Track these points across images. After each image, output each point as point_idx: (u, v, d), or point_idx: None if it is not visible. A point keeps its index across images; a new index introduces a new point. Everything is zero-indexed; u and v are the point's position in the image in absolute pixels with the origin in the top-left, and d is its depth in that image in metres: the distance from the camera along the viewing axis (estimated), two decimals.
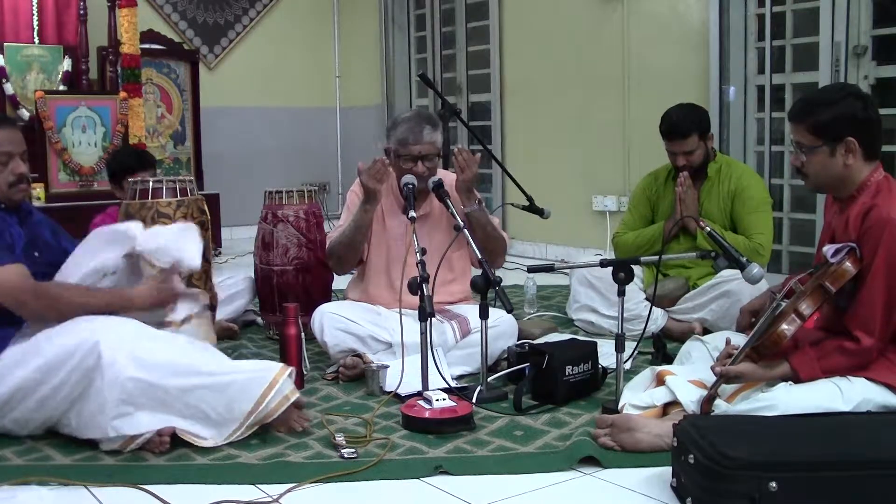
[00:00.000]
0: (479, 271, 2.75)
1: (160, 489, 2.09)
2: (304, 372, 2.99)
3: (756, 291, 2.82)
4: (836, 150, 2.27)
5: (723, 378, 2.25)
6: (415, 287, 2.63)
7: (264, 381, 2.35)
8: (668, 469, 2.09)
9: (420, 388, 2.67)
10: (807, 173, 2.34)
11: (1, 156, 2.49)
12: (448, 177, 3.19)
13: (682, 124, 3.50)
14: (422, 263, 2.68)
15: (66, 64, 5.99)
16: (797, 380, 2.22)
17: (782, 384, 2.22)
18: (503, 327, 3.01)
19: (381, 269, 3.19)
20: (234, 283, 3.79)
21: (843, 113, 2.25)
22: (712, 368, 2.29)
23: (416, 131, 3.08)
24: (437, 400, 2.50)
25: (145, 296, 2.50)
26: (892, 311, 2.19)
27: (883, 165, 2.33)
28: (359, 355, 2.99)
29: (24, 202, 2.63)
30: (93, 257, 2.52)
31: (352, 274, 3.44)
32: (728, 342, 2.40)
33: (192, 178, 3.07)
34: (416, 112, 3.22)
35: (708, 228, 2.62)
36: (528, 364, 2.80)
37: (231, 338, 3.62)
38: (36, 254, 2.56)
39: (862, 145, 2.26)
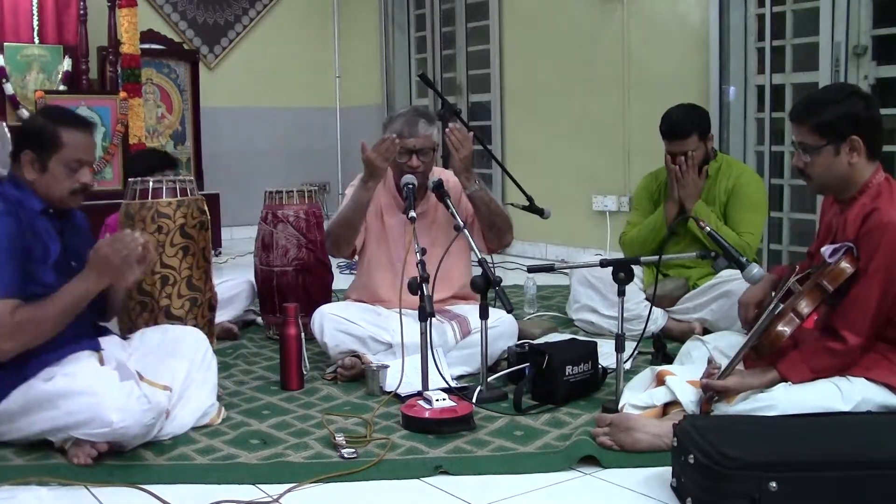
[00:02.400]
0: (478, 270, 2.75)
1: (160, 489, 2.09)
2: (304, 372, 2.99)
3: None
4: (840, 149, 2.26)
5: (708, 391, 2.24)
6: (415, 287, 2.63)
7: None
8: (668, 469, 2.09)
9: (420, 388, 2.67)
10: (810, 175, 2.33)
11: (73, 162, 2.39)
12: (449, 176, 3.20)
13: (683, 124, 3.49)
14: (422, 263, 2.68)
15: (66, 64, 5.99)
16: None
17: (782, 384, 2.22)
18: (503, 327, 3.01)
19: (384, 266, 3.19)
20: (234, 285, 3.80)
21: (846, 112, 2.25)
22: (700, 383, 2.28)
23: (412, 124, 3.08)
24: (437, 400, 2.50)
25: (93, 270, 2.31)
26: (881, 314, 2.20)
27: (883, 166, 2.33)
28: (357, 356, 2.99)
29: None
30: None
31: (352, 274, 3.44)
32: (710, 362, 2.31)
33: (192, 178, 3.07)
34: (412, 108, 3.23)
35: (708, 228, 2.62)
36: (528, 364, 2.80)
37: (230, 339, 3.63)
38: (73, 263, 2.46)
39: (866, 144, 2.26)
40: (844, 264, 2.20)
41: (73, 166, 2.40)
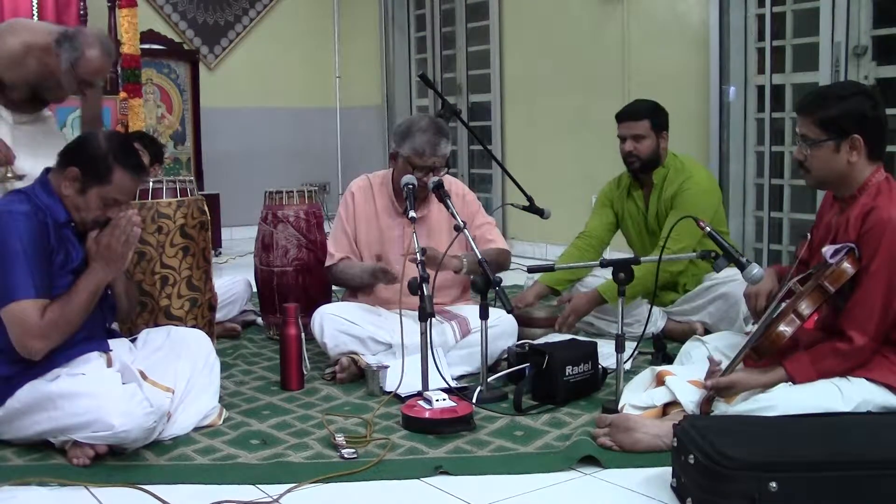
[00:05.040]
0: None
1: (160, 489, 2.10)
2: (305, 372, 2.99)
3: None
4: (841, 145, 2.26)
5: (714, 391, 2.24)
6: (415, 287, 2.63)
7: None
8: (668, 469, 2.09)
9: (420, 389, 2.67)
10: (809, 168, 2.33)
11: (111, 200, 2.38)
12: (447, 178, 3.20)
13: (637, 108, 3.52)
14: (422, 264, 2.68)
15: None
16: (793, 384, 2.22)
17: (782, 384, 2.22)
18: (503, 327, 3.01)
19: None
20: (231, 285, 3.80)
21: (852, 109, 2.25)
22: (703, 384, 2.28)
23: (434, 144, 3.04)
24: (437, 400, 2.50)
25: (99, 261, 2.36)
26: (889, 312, 2.19)
27: (884, 165, 2.33)
28: (353, 357, 2.99)
29: None
30: None
31: None
32: (711, 361, 2.32)
33: (192, 178, 3.07)
34: (431, 122, 3.11)
35: (708, 228, 2.61)
36: (528, 364, 2.80)
37: (233, 337, 3.64)
38: None
39: (867, 144, 2.25)
40: (846, 265, 2.20)
41: (108, 202, 2.38)
